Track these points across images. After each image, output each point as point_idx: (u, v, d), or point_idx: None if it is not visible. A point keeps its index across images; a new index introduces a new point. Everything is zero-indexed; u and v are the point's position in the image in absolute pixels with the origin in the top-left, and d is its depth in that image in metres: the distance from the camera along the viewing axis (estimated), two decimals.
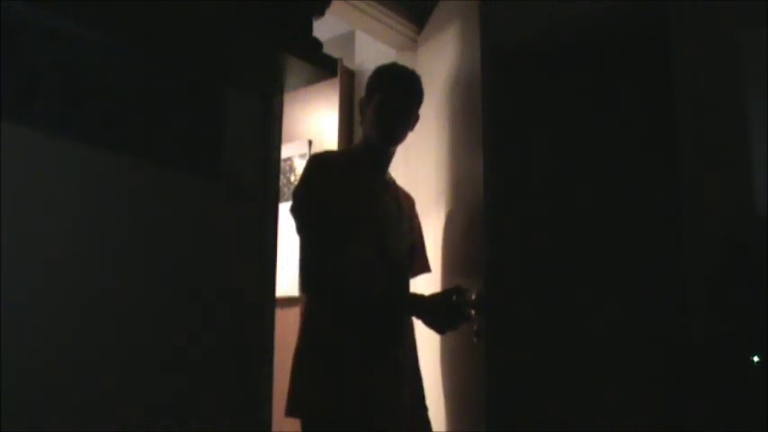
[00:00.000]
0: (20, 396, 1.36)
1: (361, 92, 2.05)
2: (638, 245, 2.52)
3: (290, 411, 1.80)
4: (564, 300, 2.60)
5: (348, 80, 3.21)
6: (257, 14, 1.63)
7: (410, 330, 1.99)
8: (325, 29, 2.23)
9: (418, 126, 2.08)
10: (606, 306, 2.51)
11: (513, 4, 2.59)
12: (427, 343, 2.12)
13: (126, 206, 1.59)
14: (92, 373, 1.48)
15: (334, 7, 2.02)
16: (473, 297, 1.97)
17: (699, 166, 2.24)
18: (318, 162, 1.95)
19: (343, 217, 1.85)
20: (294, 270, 2.37)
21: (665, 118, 2.38)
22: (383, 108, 1.95)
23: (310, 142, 3.21)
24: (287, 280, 2.82)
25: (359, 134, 2.07)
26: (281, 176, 2.63)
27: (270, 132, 1.95)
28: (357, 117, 2.08)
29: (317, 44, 1.77)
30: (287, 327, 2.19)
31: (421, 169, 2.50)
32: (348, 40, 3.30)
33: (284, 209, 1.94)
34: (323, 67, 1.78)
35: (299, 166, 3.19)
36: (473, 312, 1.90)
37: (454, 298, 1.85)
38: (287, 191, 2.96)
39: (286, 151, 2.57)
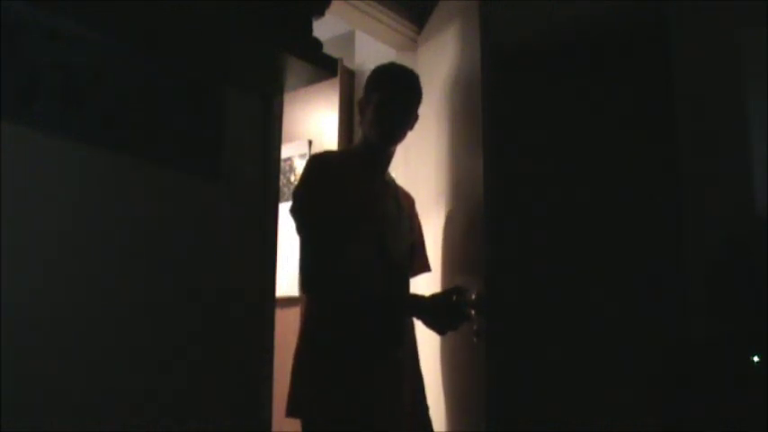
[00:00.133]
0: (20, 396, 1.36)
1: (360, 92, 2.05)
2: (638, 245, 2.51)
3: (291, 412, 1.80)
4: (564, 300, 2.59)
5: (348, 80, 3.21)
6: (257, 14, 1.63)
7: (411, 330, 1.99)
8: (325, 29, 2.23)
9: (418, 126, 2.08)
10: (606, 306, 2.51)
11: (513, 4, 2.59)
12: (427, 343, 2.12)
13: (126, 206, 1.59)
14: (92, 373, 1.48)
15: (334, 7, 2.02)
16: (473, 297, 1.97)
17: (699, 166, 2.24)
18: (318, 162, 1.95)
19: (343, 217, 1.85)
20: (294, 270, 2.38)
21: (665, 118, 2.38)
22: (382, 107, 1.95)
23: (310, 142, 3.21)
24: (287, 280, 2.82)
25: (359, 134, 2.07)
26: (281, 176, 2.63)
27: (270, 132, 1.95)
28: (357, 117, 2.08)
29: (317, 44, 1.77)
30: (287, 327, 2.19)
31: (421, 169, 2.50)
32: (348, 40, 3.30)
33: (284, 209, 1.94)
34: (323, 67, 1.78)
35: (299, 166, 3.19)
36: (473, 312, 1.90)
37: (454, 298, 1.85)
38: (287, 191, 2.96)
39: (286, 151, 2.56)
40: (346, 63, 3.21)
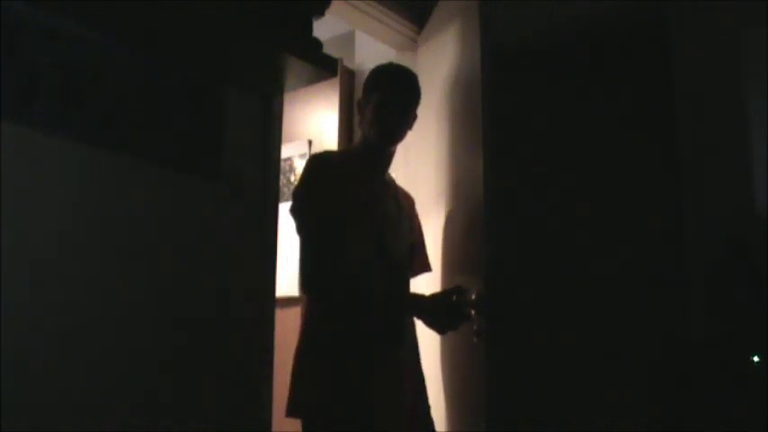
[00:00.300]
0: (20, 396, 1.36)
1: (360, 92, 2.06)
2: (638, 245, 2.51)
3: (291, 412, 1.80)
4: (564, 299, 2.59)
5: (348, 80, 3.21)
6: (257, 14, 1.63)
7: (411, 329, 1.99)
8: (325, 29, 2.23)
9: (418, 126, 2.08)
10: (606, 306, 2.51)
11: (513, 4, 2.59)
12: (427, 343, 2.12)
13: (126, 206, 1.59)
14: (92, 373, 1.48)
15: (334, 7, 2.02)
16: (473, 297, 1.97)
17: (699, 166, 2.24)
18: (318, 162, 1.95)
19: (343, 217, 1.85)
20: (294, 270, 2.38)
21: (665, 118, 2.38)
22: (382, 107, 1.95)
23: (310, 142, 3.21)
24: (287, 280, 2.82)
25: (359, 134, 2.07)
26: (281, 176, 2.63)
27: (270, 132, 1.95)
28: (356, 117, 2.08)
29: (317, 44, 1.78)
30: (287, 327, 2.19)
31: (421, 169, 2.50)
32: (348, 40, 3.30)
33: (284, 209, 1.94)
34: (323, 67, 1.78)
35: (299, 166, 3.19)
36: (473, 312, 1.90)
37: (454, 298, 1.85)
38: (287, 191, 2.96)
39: (286, 151, 2.56)
40: (346, 63, 3.21)
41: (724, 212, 2.16)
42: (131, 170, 1.61)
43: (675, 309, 2.30)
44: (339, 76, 3.01)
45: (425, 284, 2.15)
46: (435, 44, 2.57)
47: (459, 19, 2.38)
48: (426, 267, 2.12)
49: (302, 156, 3.18)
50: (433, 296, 1.92)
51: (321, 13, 1.84)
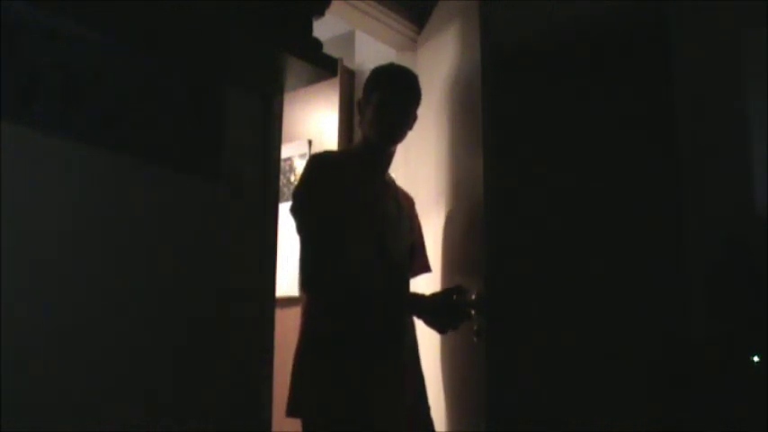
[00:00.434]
0: (20, 396, 1.36)
1: (360, 92, 2.06)
2: (638, 245, 2.51)
3: (291, 412, 1.80)
4: (564, 300, 2.59)
5: (348, 80, 3.21)
6: (257, 14, 1.63)
7: (411, 329, 1.99)
8: (325, 29, 2.23)
9: (418, 126, 2.08)
10: (606, 306, 2.51)
11: (513, 4, 2.59)
12: (427, 343, 2.12)
13: (126, 206, 1.59)
14: (92, 373, 1.48)
15: (334, 7, 2.02)
16: (473, 297, 1.97)
17: (699, 166, 2.24)
18: (318, 162, 1.95)
19: (343, 217, 1.85)
20: (294, 270, 2.38)
21: (665, 118, 2.38)
22: (382, 107, 1.95)
23: (310, 142, 3.21)
24: (287, 280, 2.82)
25: (359, 134, 2.07)
26: (281, 176, 2.63)
27: (270, 132, 1.95)
28: (356, 117, 2.08)
29: (317, 44, 1.78)
30: (287, 327, 2.19)
31: (421, 169, 2.50)
32: (348, 40, 3.30)
33: (284, 209, 1.94)
34: (323, 67, 1.78)
35: (299, 166, 3.19)
36: (473, 312, 1.90)
37: (454, 297, 1.85)
38: (287, 191, 2.96)
39: (286, 151, 2.57)
40: (346, 63, 3.21)
41: (724, 212, 2.16)
42: (131, 170, 1.61)
43: (675, 309, 2.30)
44: (339, 76, 3.01)
45: (425, 284, 2.15)
46: (435, 44, 2.57)
47: (459, 19, 2.38)
48: (426, 268, 2.12)
49: (302, 156, 3.18)
50: (433, 296, 1.92)
51: (321, 13, 1.84)
